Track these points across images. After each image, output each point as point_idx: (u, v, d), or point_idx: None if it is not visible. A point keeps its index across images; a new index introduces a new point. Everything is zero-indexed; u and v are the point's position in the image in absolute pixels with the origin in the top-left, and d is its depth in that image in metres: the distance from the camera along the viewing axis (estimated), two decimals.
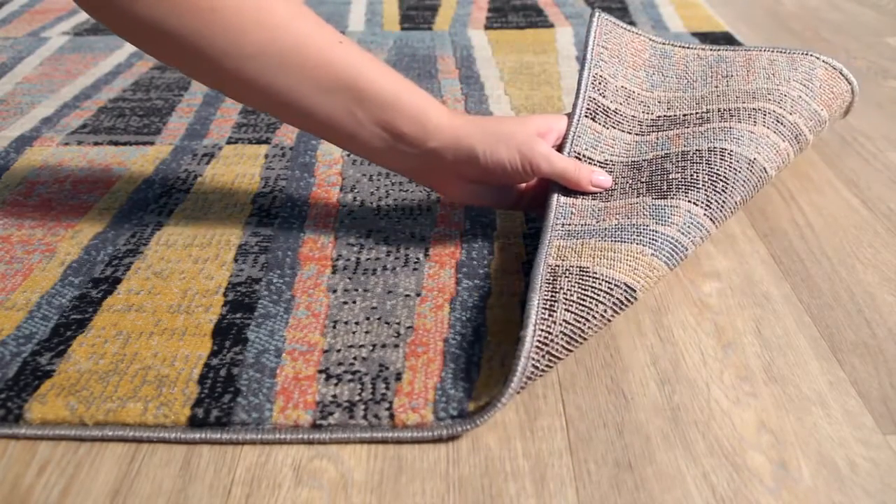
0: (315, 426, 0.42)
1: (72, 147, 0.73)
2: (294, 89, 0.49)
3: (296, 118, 0.52)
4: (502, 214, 0.61)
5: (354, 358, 0.46)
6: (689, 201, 0.49)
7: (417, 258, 0.56)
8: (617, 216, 0.50)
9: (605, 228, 0.49)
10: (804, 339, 0.48)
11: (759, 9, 1.13)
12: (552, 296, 0.44)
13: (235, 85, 0.50)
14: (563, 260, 0.47)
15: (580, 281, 0.44)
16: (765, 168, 0.53)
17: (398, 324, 0.49)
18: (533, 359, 0.41)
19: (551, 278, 0.45)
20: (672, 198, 0.50)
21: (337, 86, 0.49)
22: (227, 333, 0.49)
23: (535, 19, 1.09)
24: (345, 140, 0.53)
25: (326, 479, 0.40)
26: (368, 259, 0.56)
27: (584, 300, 0.43)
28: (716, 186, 0.50)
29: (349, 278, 0.54)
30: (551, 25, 1.06)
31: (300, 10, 0.49)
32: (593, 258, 0.46)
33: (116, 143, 0.74)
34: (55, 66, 0.94)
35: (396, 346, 0.47)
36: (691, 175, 0.51)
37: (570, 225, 0.50)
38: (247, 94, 0.51)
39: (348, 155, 0.71)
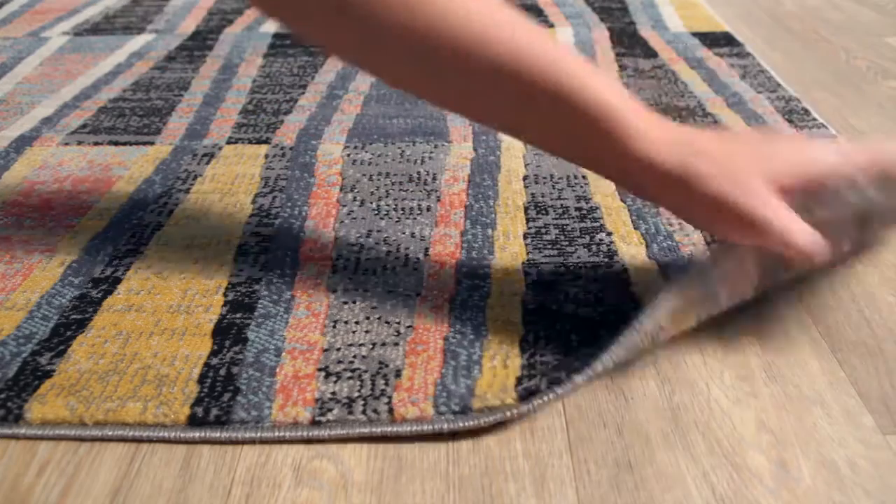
0: (314, 423, 0.42)
1: (72, 147, 0.73)
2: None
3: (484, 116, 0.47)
4: (502, 214, 0.61)
5: (354, 356, 0.46)
6: None
7: (417, 258, 0.56)
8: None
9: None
10: (804, 339, 0.48)
11: (759, 9, 1.13)
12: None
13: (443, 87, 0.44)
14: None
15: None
16: None
17: (398, 323, 0.49)
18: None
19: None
20: None
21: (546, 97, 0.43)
22: (227, 333, 0.49)
23: (536, 19, 1.09)
24: (532, 140, 0.48)
25: (326, 479, 0.40)
26: (368, 259, 0.56)
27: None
28: None
29: (349, 278, 0.54)
30: (551, 25, 1.06)
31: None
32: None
33: (116, 143, 0.74)
34: (55, 66, 0.94)
35: (396, 344, 0.47)
36: None
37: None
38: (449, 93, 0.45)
39: (348, 155, 0.71)
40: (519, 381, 0.44)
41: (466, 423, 0.41)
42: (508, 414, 0.41)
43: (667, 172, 0.42)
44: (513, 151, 0.71)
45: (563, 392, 0.42)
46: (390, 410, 0.42)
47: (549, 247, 0.56)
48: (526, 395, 0.42)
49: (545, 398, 0.42)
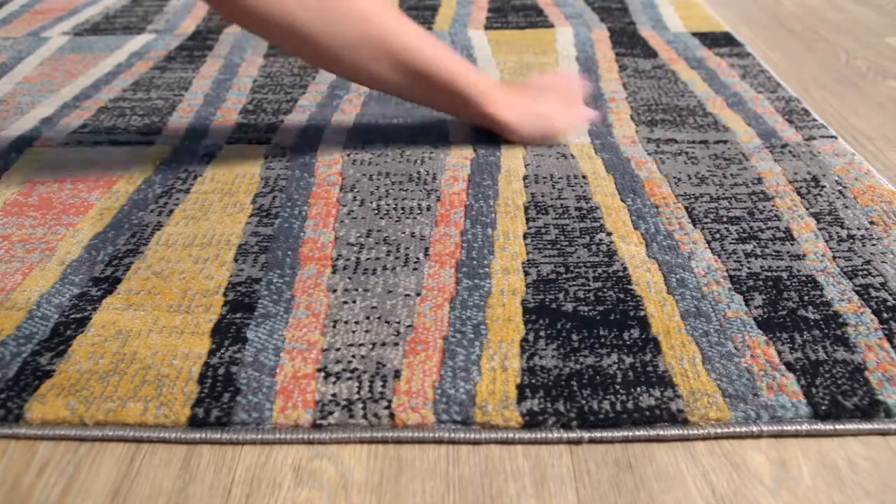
0: (315, 426, 0.42)
1: (72, 147, 0.73)
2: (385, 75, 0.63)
3: (390, 91, 0.68)
4: (502, 214, 0.61)
5: (353, 356, 0.46)
6: None
7: (417, 258, 0.56)
8: None
9: None
10: None
11: (759, 9, 1.13)
12: None
13: (343, 70, 0.64)
14: None
15: None
16: None
17: (398, 323, 0.49)
18: None
19: None
20: None
21: (416, 75, 0.64)
22: (227, 333, 0.49)
23: (535, 19, 1.09)
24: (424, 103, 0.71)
25: (326, 479, 0.40)
26: (368, 259, 0.56)
27: None
28: None
29: (349, 278, 0.54)
30: (551, 25, 1.06)
31: (387, 8, 0.62)
32: None
33: (116, 143, 0.74)
34: (55, 66, 0.94)
35: (396, 344, 0.47)
36: None
37: None
38: (355, 77, 0.65)
39: (348, 155, 0.71)
40: (520, 391, 0.43)
41: (468, 436, 0.41)
42: (511, 435, 0.41)
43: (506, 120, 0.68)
44: (513, 151, 0.71)
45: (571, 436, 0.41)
46: (391, 415, 0.42)
47: (549, 247, 0.56)
48: (531, 422, 0.42)
49: (550, 434, 0.41)
